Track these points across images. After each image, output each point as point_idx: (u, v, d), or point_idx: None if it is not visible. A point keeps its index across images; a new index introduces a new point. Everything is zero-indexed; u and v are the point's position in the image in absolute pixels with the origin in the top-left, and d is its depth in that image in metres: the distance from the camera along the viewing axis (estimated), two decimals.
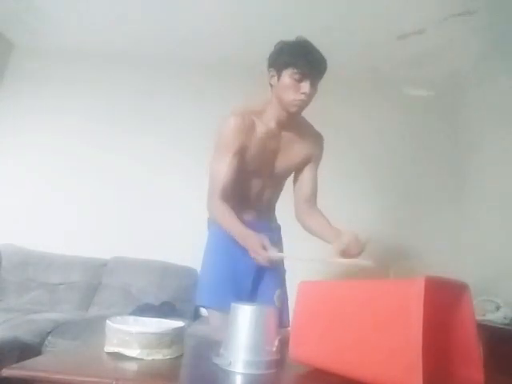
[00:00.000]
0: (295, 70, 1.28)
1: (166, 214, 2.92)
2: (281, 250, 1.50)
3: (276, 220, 1.62)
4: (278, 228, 1.60)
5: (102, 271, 2.70)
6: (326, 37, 2.75)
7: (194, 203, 2.96)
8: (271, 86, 1.38)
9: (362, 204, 3.01)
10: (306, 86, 1.29)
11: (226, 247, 1.38)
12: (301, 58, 1.28)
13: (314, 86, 1.32)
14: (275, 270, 1.44)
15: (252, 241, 1.24)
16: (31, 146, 3.08)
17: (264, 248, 1.22)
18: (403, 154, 3.13)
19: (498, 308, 2.13)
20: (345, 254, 1.26)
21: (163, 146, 3.07)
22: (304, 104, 1.34)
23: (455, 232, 2.93)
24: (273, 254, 1.23)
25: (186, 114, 3.14)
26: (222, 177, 1.34)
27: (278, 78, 1.33)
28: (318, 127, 1.55)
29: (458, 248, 2.85)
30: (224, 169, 1.34)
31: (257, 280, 1.42)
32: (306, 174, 1.52)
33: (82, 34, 3.09)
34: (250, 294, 1.39)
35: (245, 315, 0.91)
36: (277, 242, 1.52)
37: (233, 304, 0.96)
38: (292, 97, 1.31)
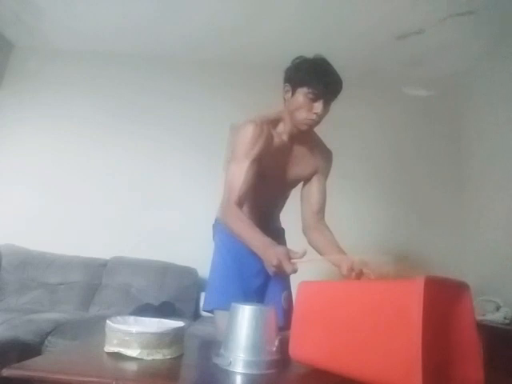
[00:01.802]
0: (310, 90, 1.28)
1: (166, 214, 2.92)
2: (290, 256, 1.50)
3: (280, 223, 1.62)
4: (282, 231, 1.61)
5: (102, 271, 2.70)
6: (325, 37, 2.76)
7: (195, 203, 2.98)
8: (285, 100, 1.37)
9: (361, 205, 3.01)
10: (319, 107, 1.29)
11: (234, 251, 1.38)
12: (317, 79, 1.27)
13: (326, 106, 1.32)
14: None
15: (276, 252, 1.16)
16: (31, 145, 3.08)
17: (289, 258, 1.14)
18: (403, 154, 3.13)
19: (498, 308, 2.13)
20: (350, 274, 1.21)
21: (164, 146, 3.08)
22: (315, 123, 1.35)
23: (455, 232, 2.93)
24: (298, 261, 1.15)
25: (186, 114, 3.14)
26: (239, 184, 1.30)
27: (292, 94, 1.32)
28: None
29: (458, 248, 2.85)
30: (242, 176, 1.30)
31: (265, 282, 1.42)
32: (315, 186, 1.50)
33: (81, 34, 3.09)
34: (259, 297, 1.39)
35: (245, 315, 0.91)
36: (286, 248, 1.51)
37: (233, 304, 0.96)
38: (304, 115, 1.31)
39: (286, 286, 1.46)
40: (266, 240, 1.22)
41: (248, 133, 1.32)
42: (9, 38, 3.21)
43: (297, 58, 1.36)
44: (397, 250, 2.83)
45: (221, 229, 1.44)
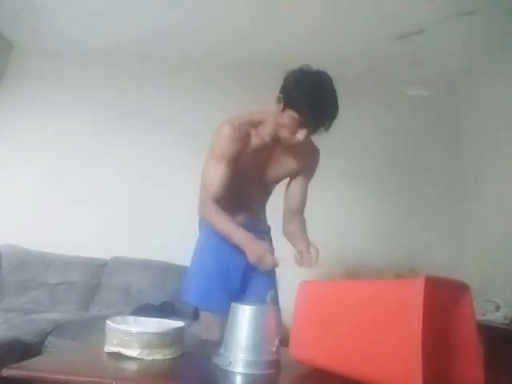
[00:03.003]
0: (299, 117, 1.23)
1: (166, 214, 2.91)
2: (271, 251, 1.50)
3: (266, 221, 1.62)
4: (268, 229, 1.60)
5: (102, 271, 2.70)
6: (326, 36, 2.76)
7: (195, 203, 2.96)
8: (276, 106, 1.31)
9: (361, 205, 3.01)
10: (302, 134, 1.26)
11: (216, 247, 1.40)
12: (310, 111, 1.21)
13: (311, 134, 1.29)
14: (266, 272, 1.43)
15: (256, 247, 1.28)
16: (31, 145, 3.07)
17: (271, 253, 1.28)
18: (402, 154, 3.13)
19: (497, 308, 2.13)
20: (298, 261, 1.34)
21: (163, 145, 3.07)
22: (296, 144, 1.32)
23: (455, 232, 2.93)
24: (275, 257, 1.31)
25: (186, 114, 3.14)
26: (215, 184, 1.35)
27: (283, 110, 1.26)
28: None
29: (458, 248, 2.85)
30: (217, 177, 1.34)
31: (246, 281, 1.42)
32: (297, 186, 1.51)
33: (81, 34, 3.09)
34: (239, 295, 1.39)
35: (245, 315, 0.91)
36: (267, 243, 1.52)
37: (233, 304, 0.96)
38: (287, 135, 1.29)
39: (272, 286, 1.45)
40: (248, 235, 1.32)
41: (223, 135, 1.33)
42: (9, 38, 3.21)
43: (298, 72, 1.27)
44: (397, 251, 2.83)
45: (207, 227, 1.45)
